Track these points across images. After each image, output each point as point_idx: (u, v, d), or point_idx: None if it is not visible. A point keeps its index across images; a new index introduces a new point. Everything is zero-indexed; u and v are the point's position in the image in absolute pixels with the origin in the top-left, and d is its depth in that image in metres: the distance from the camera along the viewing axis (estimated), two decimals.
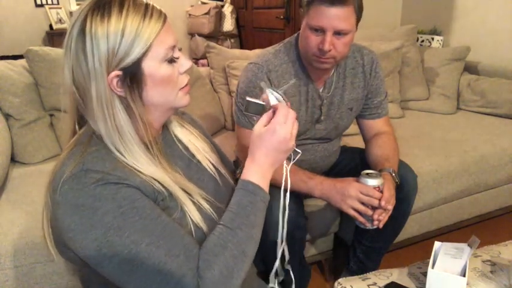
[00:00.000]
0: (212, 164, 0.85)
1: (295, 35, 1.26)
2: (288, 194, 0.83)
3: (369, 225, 1.10)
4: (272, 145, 0.72)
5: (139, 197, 0.64)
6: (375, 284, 0.99)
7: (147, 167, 0.68)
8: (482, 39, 2.50)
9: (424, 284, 0.94)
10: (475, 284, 0.96)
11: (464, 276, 0.90)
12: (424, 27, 2.77)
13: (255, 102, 0.76)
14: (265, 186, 0.74)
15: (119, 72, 0.64)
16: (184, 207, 0.70)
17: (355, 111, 1.36)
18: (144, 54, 0.65)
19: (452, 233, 1.85)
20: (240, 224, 0.69)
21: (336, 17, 1.06)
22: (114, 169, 0.65)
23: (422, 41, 2.76)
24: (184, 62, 0.72)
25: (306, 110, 1.28)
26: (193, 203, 0.72)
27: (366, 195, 1.06)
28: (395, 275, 1.02)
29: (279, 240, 0.86)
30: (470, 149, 1.75)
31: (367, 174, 1.08)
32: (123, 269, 0.62)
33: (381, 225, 1.08)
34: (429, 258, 0.98)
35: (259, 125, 0.73)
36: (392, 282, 0.98)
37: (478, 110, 2.27)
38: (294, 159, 0.80)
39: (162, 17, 0.67)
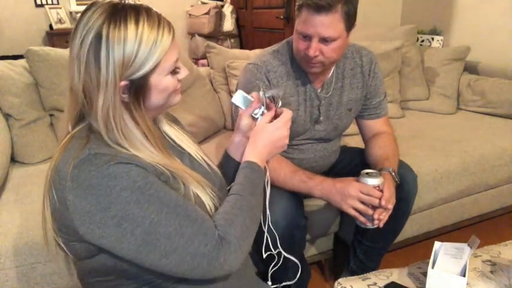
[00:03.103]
0: (200, 155, 0.89)
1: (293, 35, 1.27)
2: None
3: (369, 225, 1.10)
4: (273, 138, 0.84)
5: (149, 175, 0.68)
6: (375, 284, 0.99)
7: (153, 157, 0.71)
8: (482, 39, 2.50)
9: (424, 284, 0.94)
10: (475, 284, 0.96)
11: (464, 276, 0.90)
12: (424, 27, 2.77)
13: (245, 96, 0.87)
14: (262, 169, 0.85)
15: (127, 82, 0.68)
16: (187, 184, 0.74)
17: (354, 111, 1.36)
18: (153, 70, 0.69)
19: (452, 233, 1.85)
20: (250, 192, 0.79)
21: (321, 24, 1.07)
22: (119, 153, 0.67)
23: (423, 41, 2.76)
24: (183, 71, 0.76)
25: (304, 110, 1.29)
26: (195, 183, 0.76)
27: (366, 195, 1.06)
28: (395, 275, 1.02)
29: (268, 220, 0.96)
30: (470, 149, 1.75)
31: (367, 173, 1.08)
32: (146, 240, 0.65)
33: (381, 225, 1.09)
34: (429, 258, 0.98)
35: (264, 121, 0.85)
36: (392, 282, 0.98)
37: (478, 110, 2.27)
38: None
39: (172, 31, 0.71)
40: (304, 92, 1.27)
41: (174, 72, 0.73)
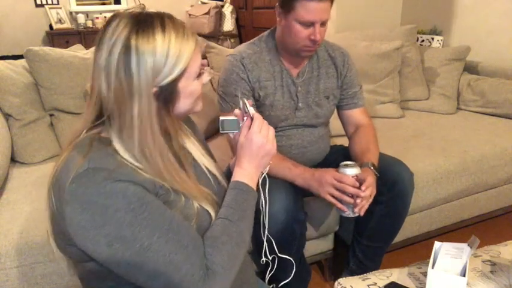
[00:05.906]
0: (206, 164, 0.88)
1: (270, 29, 1.38)
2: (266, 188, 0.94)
3: (348, 212, 1.17)
4: (252, 152, 0.81)
5: (146, 194, 0.67)
6: (375, 284, 0.99)
7: (163, 174, 0.71)
8: (482, 39, 2.50)
9: (424, 284, 0.94)
10: (475, 284, 0.96)
11: (464, 276, 0.90)
12: (424, 27, 2.77)
13: (229, 119, 0.84)
14: (253, 186, 0.83)
15: (156, 89, 0.69)
16: (189, 197, 0.74)
17: (333, 99, 1.43)
18: (181, 75, 0.70)
19: (452, 233, 1.85)
20: (239, 217, 0.78)
21: (322, 10, 1.19)
22: (119, 167, 0.67)
23: (423, 41, 2.76)
24: (207, 75, 0.78)
25: (282, 95, 1.35)
26: (204, 200, 0.77)
27: (339, 182, 1.14)
28: (395, 275, 1.02)
29: (266, 223, 0.98)
30: (470, 149, 1.75)
31: (345, 164, 1.18)
32: (135, 262, 0.65)
33: (361, 213, 1.15)
34: (429, 258, 0.98)
35: (242, 136, 0.82)
36: (392, 282, 0.98)
37: (478, 110, 2.27)
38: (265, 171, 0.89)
39: (195, 37, 0.72)
40: (280, 77, 1.35)
41: (199, 75, 0.75)
